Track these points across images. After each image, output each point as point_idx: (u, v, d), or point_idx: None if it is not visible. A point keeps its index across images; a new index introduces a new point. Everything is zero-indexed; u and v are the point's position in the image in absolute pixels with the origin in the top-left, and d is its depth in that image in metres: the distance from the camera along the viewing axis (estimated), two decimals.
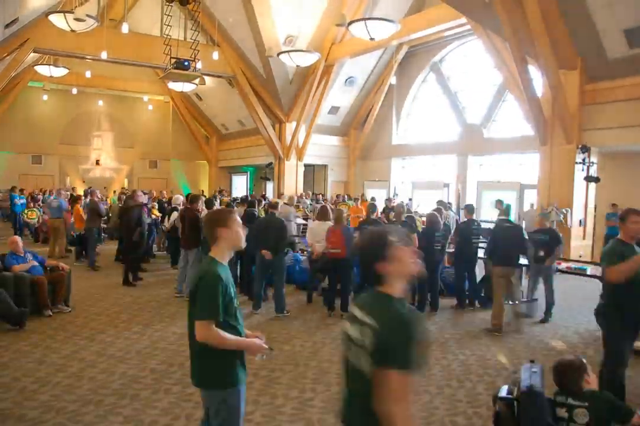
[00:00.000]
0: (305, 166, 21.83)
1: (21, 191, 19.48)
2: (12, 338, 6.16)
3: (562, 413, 3.08)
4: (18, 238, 7.62)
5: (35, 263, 7.31)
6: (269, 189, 22.34)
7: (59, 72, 16.36)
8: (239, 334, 2.80)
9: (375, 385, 1.93)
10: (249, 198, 11.82)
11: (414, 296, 7.76)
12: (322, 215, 8.23)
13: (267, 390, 4.79)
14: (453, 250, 8.83)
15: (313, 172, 23.92)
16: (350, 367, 2.10)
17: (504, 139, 16.66)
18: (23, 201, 17.45)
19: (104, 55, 14.49)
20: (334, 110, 21.11)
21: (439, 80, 19.60)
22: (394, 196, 19.46)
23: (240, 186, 27.69)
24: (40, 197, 17.95)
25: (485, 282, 8.26)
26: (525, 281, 8.40)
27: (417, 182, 20.01)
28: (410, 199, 18.68)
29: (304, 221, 14.72)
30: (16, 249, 7.32)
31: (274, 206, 8.24)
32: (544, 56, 11.03)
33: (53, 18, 10.95)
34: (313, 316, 7.58)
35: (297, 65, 14.38)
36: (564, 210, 11.90)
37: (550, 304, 7.63)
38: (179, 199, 11.47)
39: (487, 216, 15.81)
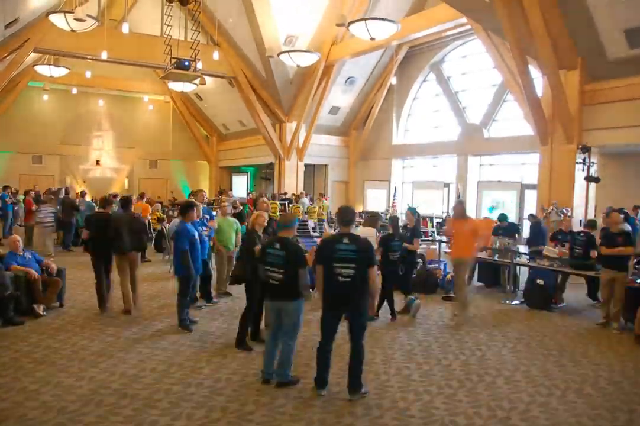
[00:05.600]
0: (306, 166, 21.85)
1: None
2: (13, 338, 6.16)
3: None
4: (19, 237, 7.65)
5: (31, 270, 7.18)
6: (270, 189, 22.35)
7: (59, 72, 16.36)
8: None
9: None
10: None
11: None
12: (370, 222, 7.85)
13: (267, 390, 4.79)
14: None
15: (313, 173, 23.94)
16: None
17: (504, 139, 16.65)
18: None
19: (104, 55, 14.48)
20: (334, 110, 21.12)
21: (439, 80, 19.60)
22: (394, 198, 19.52)
23: (240, 186, 27.71)
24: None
25: None
26: None
27: (418, 182, 20.02)
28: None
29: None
30: (16, 249, 7.34)
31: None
32: (545, 56, 11.03)
33: (53, 18, 10.96)
34: (317, 315, 7.58)
35: (297, 66, 14.40)
36: (564, 210, 11.90)
37: None
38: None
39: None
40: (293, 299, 4.83)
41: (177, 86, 16.46)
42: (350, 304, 4.63)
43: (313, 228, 17.29)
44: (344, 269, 4.55)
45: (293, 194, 20.23)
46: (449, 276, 9.42)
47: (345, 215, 4.90)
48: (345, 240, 4.62)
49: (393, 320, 7.46)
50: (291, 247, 4.87)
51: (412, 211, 8.93)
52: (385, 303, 7.62)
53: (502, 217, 10.26)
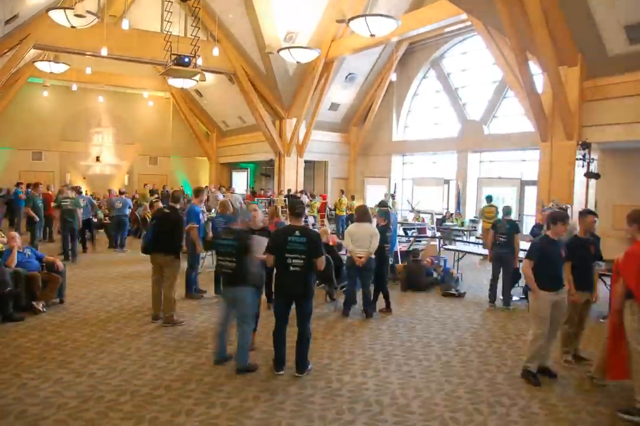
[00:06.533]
0: (306, 162, 21.84)
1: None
2: (13, 334, 6.17)
3: None
4: (16, 234, 7.63)
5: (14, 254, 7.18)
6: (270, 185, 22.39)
7: (59, 68, 16.33)
8: None
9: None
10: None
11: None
12: (362, 216, 7.49)
13: (267, 386, 4.80)
14: None
15: (313, 169, 23.94)
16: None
17: (504, 136, 16.63)
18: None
19: (104, 51, 14.44)
20: (334, 106, 21.10)
21: (439, 76, 19.56)
22: (393, 193, 19.47)
23: (240, 183, 27.71)
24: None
25: None
26: None
27: (418, 178, 20.01)
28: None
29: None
30: (14, 245, 7.32)
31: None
32: (545, 52, 11.00)
33: (53, 14, 10.93)
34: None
35: (297, 62, 14.38)
36: (564, 206, 11.88)
37: None
38: None
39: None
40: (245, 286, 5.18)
41: (177, 82, 16.42)
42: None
43: (313, 224, 17.33)
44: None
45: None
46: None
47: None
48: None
49: (387, 312, 7.66)
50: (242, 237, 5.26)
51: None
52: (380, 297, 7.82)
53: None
